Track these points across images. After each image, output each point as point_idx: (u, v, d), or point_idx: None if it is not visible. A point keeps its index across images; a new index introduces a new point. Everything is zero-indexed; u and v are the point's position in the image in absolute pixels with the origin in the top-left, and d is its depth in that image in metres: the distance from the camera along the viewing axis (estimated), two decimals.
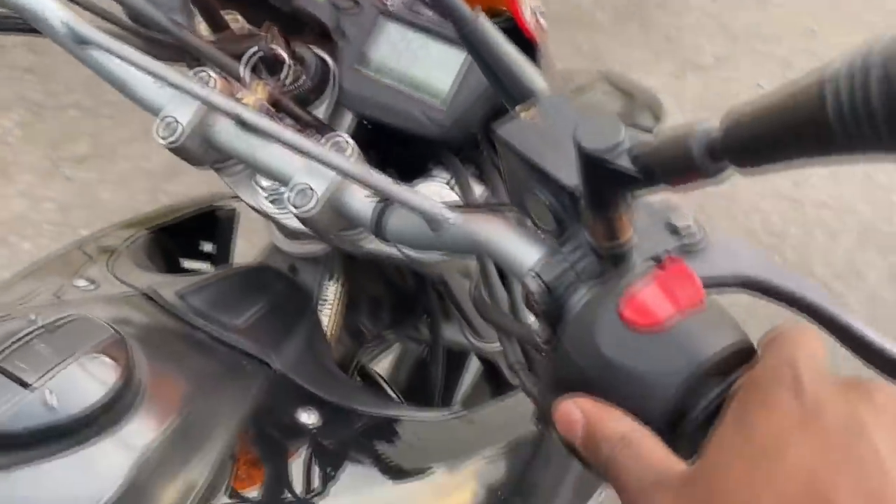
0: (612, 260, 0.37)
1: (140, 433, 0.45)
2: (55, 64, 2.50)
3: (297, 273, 0.63)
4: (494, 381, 0.87)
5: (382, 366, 0.84)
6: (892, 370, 0.35)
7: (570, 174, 0.37)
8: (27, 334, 0.45)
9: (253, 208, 0.59)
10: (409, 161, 0.58)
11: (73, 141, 2.29)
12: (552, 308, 0.37)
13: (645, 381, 0.32)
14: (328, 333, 0.62)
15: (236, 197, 0.68)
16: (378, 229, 0.48)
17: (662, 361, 0.32)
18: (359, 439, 0.57)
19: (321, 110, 0.59)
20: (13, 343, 0.45)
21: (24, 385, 0.43)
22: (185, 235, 0.77)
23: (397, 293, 0.71)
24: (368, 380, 0.73)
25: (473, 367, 0.90)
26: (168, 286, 0.58)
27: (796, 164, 0.26)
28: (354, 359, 0.69)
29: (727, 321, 0.34)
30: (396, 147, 0.59)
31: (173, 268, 0.74)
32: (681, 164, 0.29)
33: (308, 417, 0.53)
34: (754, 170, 0.28)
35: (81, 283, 0.58)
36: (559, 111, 0.39)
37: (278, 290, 0.61)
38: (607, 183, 0.33)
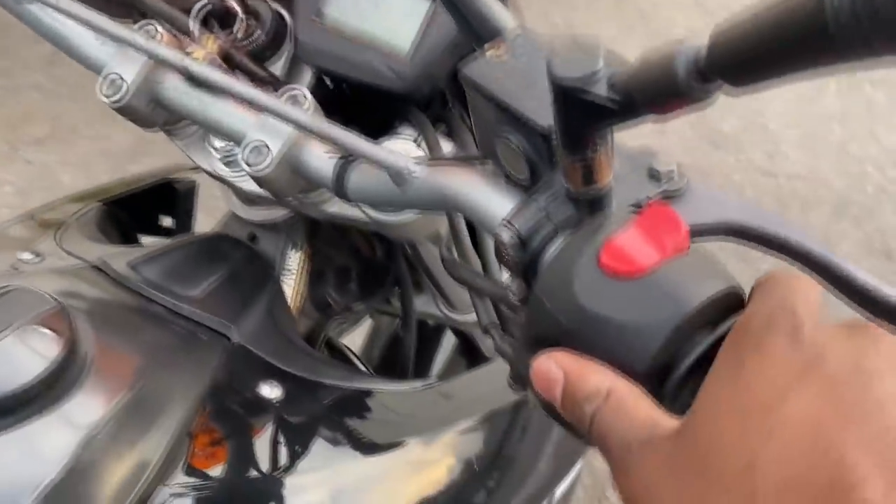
0: (590, 207, 0.34)
1: (86, 410, 0.42)
2: (12, 44, 2.42)
3: (257, 242, 0.60)
4: (470, 356, 0.84)
5: (354, 343, 0.81)
6: (891, 316, 0.32)
7: (542, 115, 0.34)
8: None
9: (208, 173, 0.56)
10: (373, 121, 0.55)
11: (32, 122, 2.21)
12: (526, 261, 0.34)
13: (627, 332, 0.29)
14: (292, 305, 0.59)
15: (196, 168, 0.64)
16: (339, 188, 0.45)
17: (646, 311, 0.29)
18: (326, 413, 0.55)
19: (278, 66, 0.55)
20: None
21: None
22: (142, 209, 0.74)
23: (366, 263, 0.68)
24: (337, 354, 0.70)
25: (448, 342, 0.88)
26: (120, 257, 0.55)
27: (791, 77, 0.24)
28: (322, 332, 0.65)
29: (715, 267, 0.31)
30: (359, 106, 0.56)
31: (129, 243, 0.70)
32: (665, 89, 0.27)
33: (271, 391, 0.50)
34: (747, 88, 0.25)
35: (26, 256, 0.54)
36: (529, 48, 0.36)
37: (237, 260, 0.57)
38: (584, 117, 0.30)
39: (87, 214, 0.65)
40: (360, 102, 0.56)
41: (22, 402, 0.40)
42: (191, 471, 0.45)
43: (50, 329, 0.42)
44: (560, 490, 0.66)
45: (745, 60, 0.24)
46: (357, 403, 0.57)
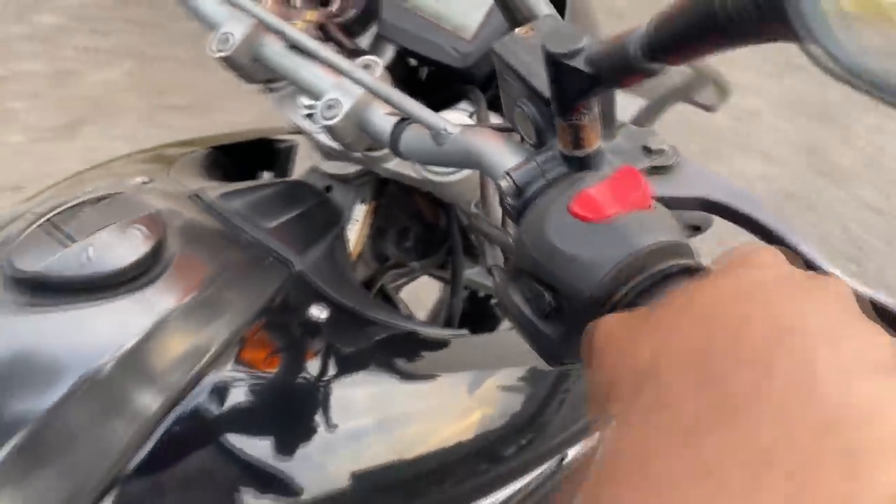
0: (579, 167, 0.40)
1: (162, 298, 0.51)
2: (165, 18, 2.66)
3: (331, 192, 0.69)
4: None
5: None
6: None
7: (547, 87, 0.40)
8: (80, 202, 0.52)
9: (294, 128, 0.65)
10: (441, 97, 0.63)
11: (175, 92, 2.43)
12: (520, 207, 0.40)
13: (581, 264, 0.35)
14: (353, 251, 0.67)
15: (297, 132, 0.73)
16: (394, 144, 0.53)
17: (599, 248, 0.35)
18: (372, 345, 0.62)
19: (365, 40, 0.63)
20: (66, 206, 0.51)
21: (70, 240, 0.49)
22: (244, 161, 0.84)
23: (425, 226, 0.75)
24: (389, 303, 0.77)
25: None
26: (214, 189, 0.64)
27: (716, 51, 0.29)
28: (377, 281, 0.73)
29: (671, 226, 0.36)
30: (431, 82, 0.63)
31: None
32: (623, 65, 0.33)
33: (320, 313, 0.58)
34: (684, 62, 0.31)
35: (140, 179, 0.65)
36: (552, 28, 0.43)
37: (310, 204, 0.66)
38: (569, 86, 0.36)
39: (195, 155, 0.75)
40: (432, 79, 0.63)
41: (113, 283, 0.49)
42: (239, 366, 0.53)
43: (145, 229, 0.52)
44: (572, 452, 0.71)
45: (672, 42, 0.30)
46: (402, 342, 0.64)
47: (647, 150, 0.42)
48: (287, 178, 0.71)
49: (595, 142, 0.39)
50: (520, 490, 0.65)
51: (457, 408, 0.64)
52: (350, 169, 0.66)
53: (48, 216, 0.50)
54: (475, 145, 0.46)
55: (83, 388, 0.46)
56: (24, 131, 2.45)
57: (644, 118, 1.04)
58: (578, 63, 0.35)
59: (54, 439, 0.45)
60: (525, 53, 0.42)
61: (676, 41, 0.29)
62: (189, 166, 0.73)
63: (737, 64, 2.98)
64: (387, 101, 0.52)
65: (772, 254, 0.32)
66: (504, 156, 0.43)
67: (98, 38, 2.95)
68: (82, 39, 2.94)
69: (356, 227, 0.68)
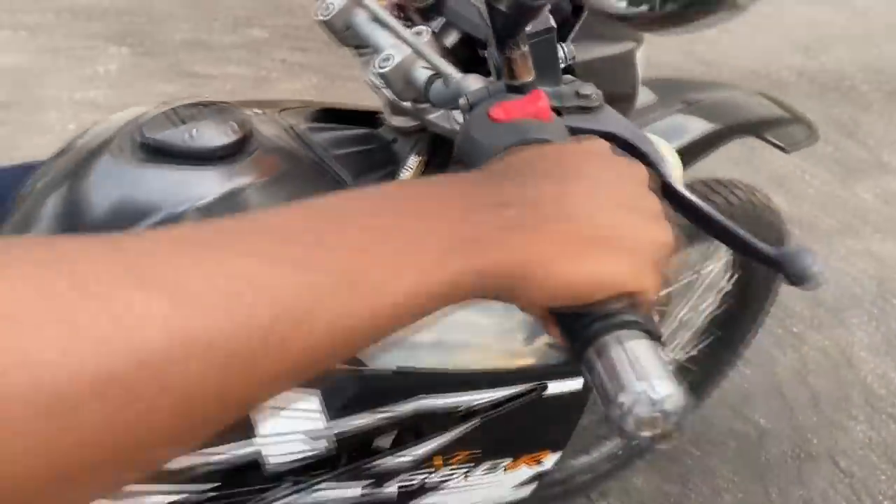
0: (516, 93, 0.55)
1: (237, 175, 0.70)
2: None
3: (394, 143, 0.86)
4: None
5: None
6: (704, 225, 0.49)
7: None
8: (199, 102, 0.73)
9: (368, 84, 0.83)
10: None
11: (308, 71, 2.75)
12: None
13: (482, 146, 0.50)
14: None
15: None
16: (425, 90, 0.69)
17: (496, 136, 0.49)
18: None
19: (435, 24, 0.81)
20: (187, 103, 0.72)
21: (182, 122, 0.69)
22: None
23: None
24: None
25: None
26: (307, 124, 0.84)
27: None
28: None
29: (556, 129, 0.50)
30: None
31: None
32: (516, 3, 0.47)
33: None
34: None
35: (256, 110, 0.85)
36: None
37: (375, 147, 0.83)
38: (497, 24, 0.51)
39: (308, 109, 0.95)
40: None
41: (205, 156, 0.69)
42: None
43: (235, 126, 0.71)
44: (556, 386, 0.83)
45: None
46: None
47: (578, 95, 0.56)
48: (364, 129, 0.89)
49: (526, 74, 0.54)
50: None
51: (508, 351, 0.78)
52: (409, 124, 0.83)
53: (173, 106, 0.71)
54: (464, 85, 0.61)
55: (161, 223, 0.65)
56: None
57: (706, 144, 1.14)
58: (501, 5, 0.50)
59: None
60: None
61: None
62: (298, 114, 0.93)
63: (887, 145, 2.90)
64: (424, 57, 0.69)
65: (600, 143, 0.45)
66: (470, 87, 0.59)
67: (297, 53, 3.36)
68: (282, 53, 3.36)
69: (408, 174, 0.84)
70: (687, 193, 0.51)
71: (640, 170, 0.45)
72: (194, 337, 0.27)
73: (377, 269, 0.34)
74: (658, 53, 3.58)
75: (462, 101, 0.56)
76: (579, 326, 0.39)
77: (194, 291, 0.28)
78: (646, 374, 0.36)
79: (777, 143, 1.18)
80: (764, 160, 2.86)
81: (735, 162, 2.78)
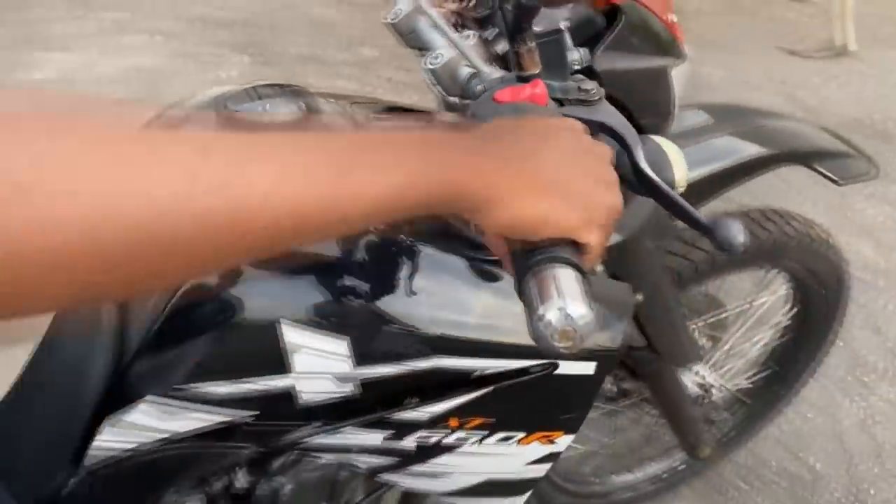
0: (524, 83, 0.64)
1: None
2: None
3: None
4: None
5: None
6: (659, 199, 0.57)
7: None
8: (276, 84, 0.85)
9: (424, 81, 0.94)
10: None
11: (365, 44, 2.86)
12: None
13: (483, 121, 0.59)
14: None
15: None
16: (466, 87, 0.79)
17: (496, 113, 0.59)
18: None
19: (488, 33, 0.91)
20: (267, 84, 0.85)
21: (259, 98, 0.82)
22: None
23: None
24: None
25: None
26: (362, 112, 0.95)
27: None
28: None
29: (546, 112, 0.59)
30: None
31: None
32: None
33: None
34: None
35: (329, 98, 0.98)
36: None
37: None
38: (511, 22, 0.60)
39: (375, 105, 1.07)
40: None
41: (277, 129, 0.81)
42: None
43: (304, 105, 0.83)
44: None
45: None
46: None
47: (580, 89, 0.65)
48: (420, 123, 1.00)
49: (532, 67, 0.63)
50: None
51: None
52: (457, 117, 0.94)
53: (253, 84, 0.84)
54: (486, 75, 0.71)
55: None
56: None
57: (754, 167, 1.19)
58: (508, 5, 0.59)
59: None
60: None
61: None
62: (366, 107, 1.05)
63: None
64: (466, 57, 0.79)
65: (575, 123, 0.54)
66: (490, 76, 0.69)
67: (401, 72, 3.54)
68: (388, 71, 3.55)
69: None
70: (651, 174, 0.58)
71: (605, 149, 0.53)
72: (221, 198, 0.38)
73: (366, 167, 0.43)
74: (759, 97, 3.56)
75: (479, 86, 0.66)
76: (526, 257, 0.48)
77: (222, 180, 0.38)
78: (565, 295, 0.44)
79: (828, 174, 1.21)
80: (855, 210, 2.80)
81: (826, 208, 2.75)
